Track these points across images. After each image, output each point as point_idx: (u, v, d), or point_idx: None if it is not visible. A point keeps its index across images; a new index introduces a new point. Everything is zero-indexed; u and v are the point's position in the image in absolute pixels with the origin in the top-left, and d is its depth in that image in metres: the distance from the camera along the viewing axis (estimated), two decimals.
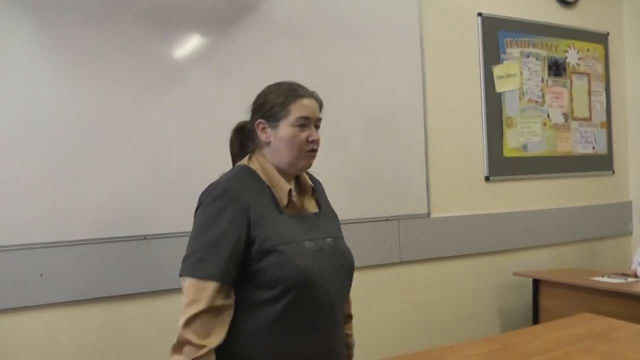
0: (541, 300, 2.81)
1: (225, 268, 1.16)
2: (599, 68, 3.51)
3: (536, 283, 2.83)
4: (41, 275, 1.94)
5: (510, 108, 3.11)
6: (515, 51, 3.15)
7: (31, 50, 1.96)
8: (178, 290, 1.96)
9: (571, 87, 3.37)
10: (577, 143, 3.39)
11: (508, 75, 3.11)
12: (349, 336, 1.46)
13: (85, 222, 2.02)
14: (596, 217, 3.42)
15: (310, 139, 1.28)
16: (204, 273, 1.15)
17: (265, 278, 1.20)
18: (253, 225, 1.21)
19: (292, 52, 2.43)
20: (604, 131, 3.53)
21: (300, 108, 1.28)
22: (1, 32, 1.91)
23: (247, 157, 1.35)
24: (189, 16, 2.23)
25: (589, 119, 3.45)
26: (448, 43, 2.92)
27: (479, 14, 3.04)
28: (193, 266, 1.17)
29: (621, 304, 2.31)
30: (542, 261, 3.17)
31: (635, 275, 2.58)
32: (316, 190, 1.41)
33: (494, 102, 3.06)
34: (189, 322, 1.13)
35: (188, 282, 1.17)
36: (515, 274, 2.90)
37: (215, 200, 1.22)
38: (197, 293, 1.14)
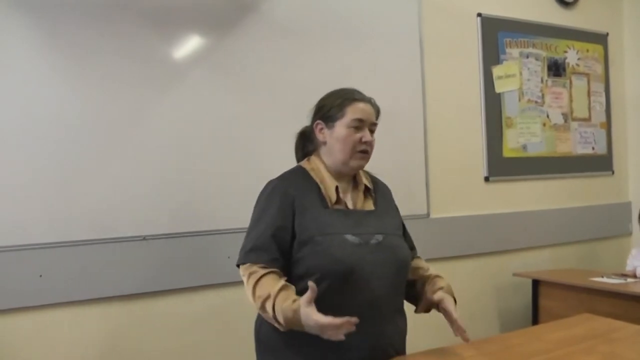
0: (541, 300, 2.81)
1: (272, 255, 1.27)
2: (599, 68, 3.52)
3: (536, 283, 2.83)
4: (41, 275, 1.94)
5: (509, 108, 3.11)
6: (514, 51, 3.15)
7: (31, 50, 1.96)
8: (178, 290, 1.97)
9: (571, 88, 3.37)
10: (577, 143, 3.39)
11: (507, 76, 3.11)
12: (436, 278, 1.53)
13: (85, 222, 2.02)
14: (596, 218, 3.42)
15: (364, 140, 1.37)
16: (254, 260, 1.27)
17: (303, 268, 1.26)
18: (296, 216, 1.30)
19: (292, 52, 2.43)
20: (603, 132, 3.53)
21: (355, 111, 1.37)
22: (1, 32, 1.91)
23: (305, 159, 1.46)
24: (189, 16, 2.23)
25: (589, 119, 3.45)
26: (448, 43, 2.92)
27: (479, 15, 3.04)
28: (245, 255, 1.31)
29: (621, 305, 2.31)
30: (542, 261, 3.17)
31: (635, 276, 2.58)
32: (375, 191, 1.47)
33: (493, 103, 3.06)
34: (254, 289, 1.24)
35: (243, 268, 1.30)
36: (514, 274, 2.90)
37: (265, 197, 1.35)
38: (252, 271, 1.26)
